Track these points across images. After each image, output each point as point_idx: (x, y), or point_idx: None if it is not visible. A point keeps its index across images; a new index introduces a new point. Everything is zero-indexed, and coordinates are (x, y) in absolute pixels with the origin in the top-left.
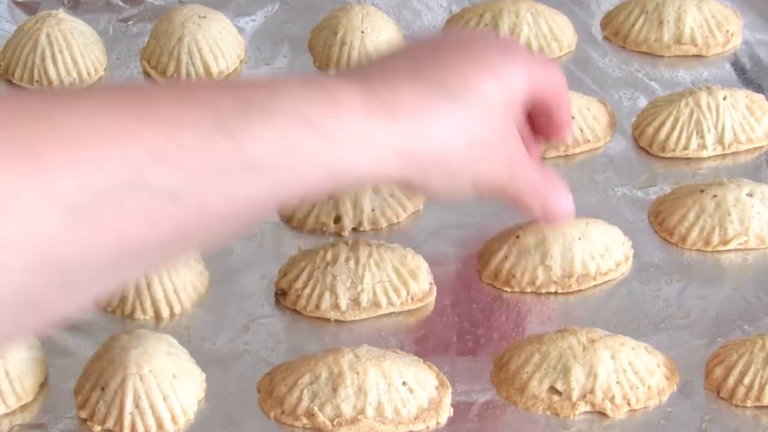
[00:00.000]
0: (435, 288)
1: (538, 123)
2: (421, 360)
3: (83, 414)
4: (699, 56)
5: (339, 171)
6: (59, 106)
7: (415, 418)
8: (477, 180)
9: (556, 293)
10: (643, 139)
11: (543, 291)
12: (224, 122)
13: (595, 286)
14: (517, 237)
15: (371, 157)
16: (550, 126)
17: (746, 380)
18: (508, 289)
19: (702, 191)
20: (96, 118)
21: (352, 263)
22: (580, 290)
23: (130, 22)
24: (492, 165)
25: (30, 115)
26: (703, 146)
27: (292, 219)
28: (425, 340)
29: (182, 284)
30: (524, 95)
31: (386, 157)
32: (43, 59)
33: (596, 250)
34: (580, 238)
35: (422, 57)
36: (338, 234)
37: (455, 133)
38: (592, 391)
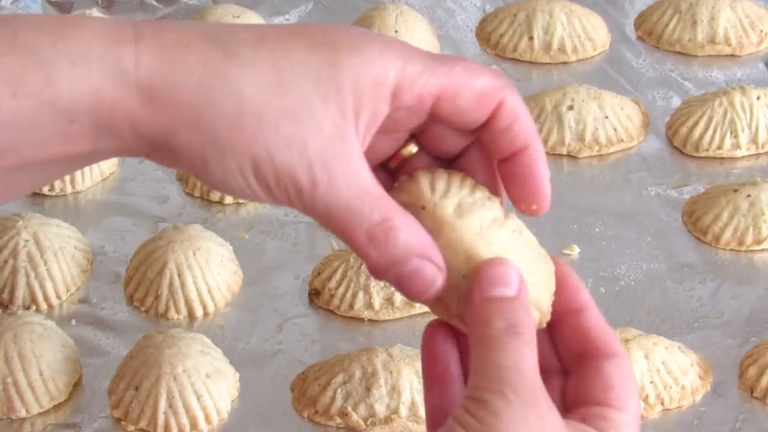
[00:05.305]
0: None
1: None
2: None
3: (117, 413)
4: (733, 56)
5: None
6: None
7: None
8: (257, 162)
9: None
10: (677, 139)
11: None
12: None
13: (627, 284)
14: None
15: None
16: (519, 184)
17: None
18: None
19: (736, 191)
20: None
21: None
22: (615, 289)
23: None
24: (293, 147)
25: None
26: (737, 146)
27: None
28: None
29: (216, 284)
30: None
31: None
32: None
33: None
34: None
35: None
36: None
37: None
38: None
